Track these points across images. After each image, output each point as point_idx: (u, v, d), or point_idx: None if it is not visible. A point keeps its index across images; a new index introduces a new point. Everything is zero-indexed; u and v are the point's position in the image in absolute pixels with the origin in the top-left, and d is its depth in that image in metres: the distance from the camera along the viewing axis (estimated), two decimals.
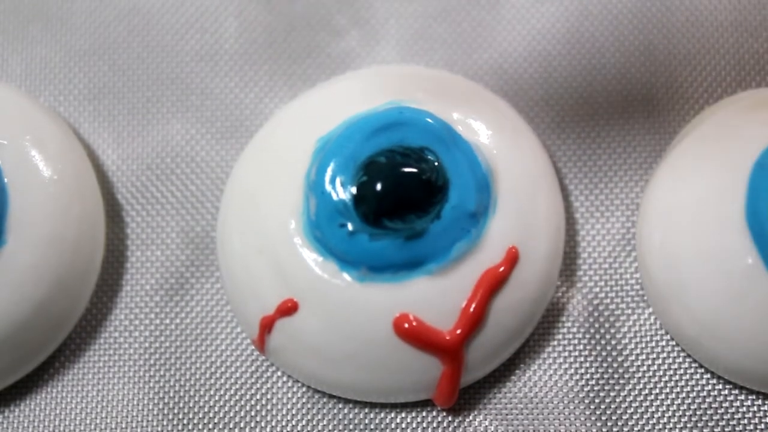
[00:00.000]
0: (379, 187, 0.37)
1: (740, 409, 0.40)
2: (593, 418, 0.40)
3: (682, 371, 0.40)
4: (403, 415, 0.41)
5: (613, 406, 0.40)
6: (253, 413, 0.41)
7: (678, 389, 0.40)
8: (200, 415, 0.41)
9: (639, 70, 0.43)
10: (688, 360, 0.40)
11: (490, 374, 0.40)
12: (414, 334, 0.38)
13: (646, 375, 0.40)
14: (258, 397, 0.41)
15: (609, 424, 0.40)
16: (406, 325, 0.38)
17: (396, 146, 0.38)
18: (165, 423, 0.41)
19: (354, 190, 0.38)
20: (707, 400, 0.40)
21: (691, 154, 0.40)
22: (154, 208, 0.43)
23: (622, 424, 0.40)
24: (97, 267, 0.42)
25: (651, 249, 0.39)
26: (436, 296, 0.38)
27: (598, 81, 0.43)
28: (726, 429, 0.40)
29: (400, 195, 0.38)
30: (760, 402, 0.40)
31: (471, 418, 0.40)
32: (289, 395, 0.41)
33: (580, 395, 0.40)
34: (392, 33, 0.44)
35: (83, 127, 0.44)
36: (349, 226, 0.38)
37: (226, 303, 0.42)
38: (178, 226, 0.43)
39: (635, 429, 0.40)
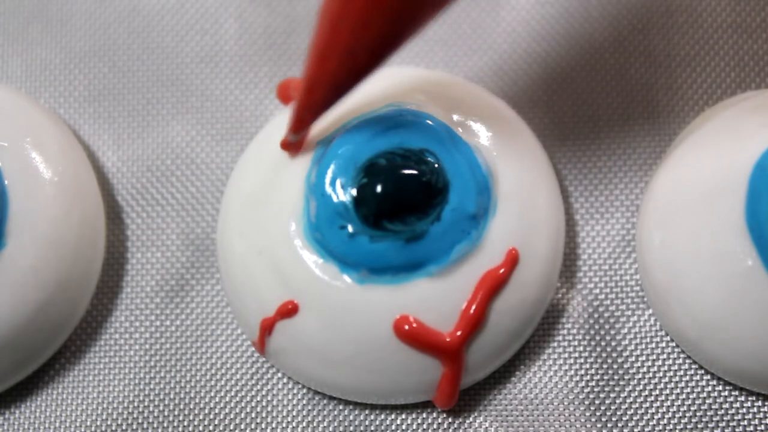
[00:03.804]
0: (379, 189, 0.37)
1: (740, 411, 0.40)
2: (593, 420, 0.40)
3: (682, 372, 0.40)
4: (404, 416, 0.41)
5: (613, 407, 0.40)
6: (253, 415, 0.41)
7: (678, 390, 0.40)
8: (200, 417, 0.41)
9: (639, 71, 0.43)
10: (688, 361, 0.40)
11: (490, 376, 0.41)
12: (414, 336, 0.38)
13: (646, 376, 0.40)
14: (258, 398, 0.41)
15: (609, 425, 0.40)
16: (407, 327, 0.38)
17: (396, 148, 0.38)
18: (165, 425, 0.41)
19: (354, 192, 0.38)
20: (707, 401, 0.40)
21: (691, 155, 0.40)
22: (154, 209, 0.43)
23: (622, 426, 0.40)
24: (97, 269, 0.42)
25: (651, 250, 0.39)
26: (437, 298, 0.38)
27: (597, 82, 0.43)
28: (726, 430, 0.40)
29: (400, 197, 0.38)
30: (760, 403, 0.40)
31: (471, 419, 0.40)
32: (290, 397, 0.41)
33: (581, 396, 0.40)
34: None
35: (83, 129, 0.44)
36: (350, 228, 0.38)
37: (226, 305, 0.42)
38: (178, 227, 0.43)
39: (635, 430, 0.40)
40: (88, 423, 0.41)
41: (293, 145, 0.38)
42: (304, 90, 0.35)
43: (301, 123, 0.37)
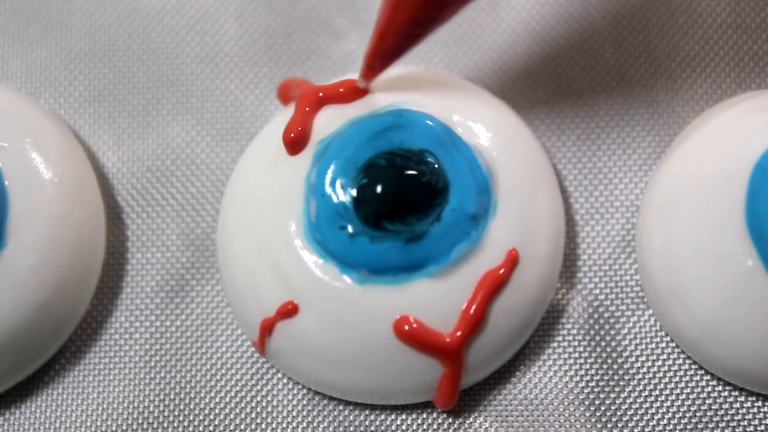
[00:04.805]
0: (379, 189, 0.38)
1: (740, 411, 0.40)
2: (593, 420, 0.40)
3: (682, 373, 0.40)
4: (404, 416, 0.41)
5: (613, 407, 0.40)
6: (253, 415, 0.41)
7: (678, 391, 0.40)
8: (201, 417, 0.41)
9: (639, 71, 0.43)
10: (688, 361, 0.40)
11: (490, 376, 0.41)
12: (414, 336, 0.38)
13: (646, 377, 0.40)
14: (258, 399, 0.41)
15: (609, 425, 0.40)
16: (407, 327, 0.38)
17: (396, 149, 0.38)
18: (165, 425, 0.41)
19: (354, 192, 0.38)
20: (707, 401, 0.40)
21: (691, 155, 0.40)
22: (154, 210, 0.43)
23: (622, 426, 0.40)
24: (97, 269, 0.42)
25: (651, 250, 0.39)
26: (437, 298, 0.38)
27: (597, 82, 0.43)
28: (726, 431, 0.40)
29: (400, 197, 0.38)
30: (760, 404, 0.40)
31: (471, 419, 0.40)
32: (290, 397, 0.41)
33: (581, 397, 0.40)
34: None
35: (83, 130, 0.44)
36: (350, 229, 0.38)
37: (226, 305, 0.42)
38: (178, 228, 0.43)
39: (635, 431, 0.40)
40: (89, 423, 0.41)
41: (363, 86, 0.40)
42: (377, 38, 0.38)
43: (371, 70, 0.39)
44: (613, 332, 0.41)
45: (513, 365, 0.41)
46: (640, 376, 0.40)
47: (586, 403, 0.40)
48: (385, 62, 0.38)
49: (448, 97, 0.40)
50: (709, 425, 0.40)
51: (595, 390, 0.40)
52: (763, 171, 0.37)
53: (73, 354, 0.42)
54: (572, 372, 0.41)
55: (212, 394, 0.41)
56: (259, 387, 0.41)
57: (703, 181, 0.38)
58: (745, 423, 0.40)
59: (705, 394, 0.40)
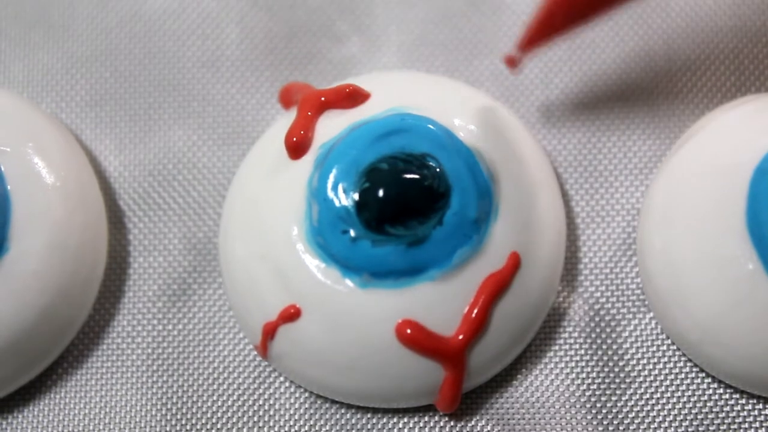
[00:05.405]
0: (381, 193, 0.38)
1: (741, 414, 0.40)
2: (595, 423, 0.40)
3: (683, 376, 0.40)
4: (406, 420, 0.41)
5: (614, 410, 0.40)
6: (255, 419, 0.41)
7: (679, 394, 0.40)
8: (203, 421, 0.41)
9: (639, 75, 0.43)
10: (689, 364, 0.40)
11: (492, 379, 0.41)
12: (416, 340, 0.38)
13: (648, 380, 0.40)
14: (261, 402, 0.41)
15: (610, 428, 0.40)
16: (409, 331, 0.38)
17: (398, 153, 0.38)
18: (168, 429, 0.41)
19: (356, 196, 0.38)
20: (708, 404, 0.40)
21: (692, 159, 0.40)
22: (156, 214, 0.43)
23: (624, 429, 0.40)
24: (99, 273, 0.42)
25: (652, 254, 0.39)
26: (439, 302, 0.38)
27: (598, 86, 0.44)
28: None
29: (402, 201, 0.38)
30: (761, 406, 0.40)
31: (473, 423, 0.40)
32: (292, 401, 0.41)
33: (582, 400, 0.40)
34: (393, 39, 0.44)
35: (85, 134, 0.44)
36: (352, 233, 0.38)
37: (228, 309, 0.42)
38: (180, 232, 0.43)
39: None
40: (91, 427, 0.41)
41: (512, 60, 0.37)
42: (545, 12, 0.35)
43: (532, 42, 0.36)
44: (614, 335, 0.41)
45: (515, 368, 0.41)
46: (641, 379, 0.40)
47: (588, 406, 0.40)
48: (547, 37, 0.35)
49: (449, 101, 0.41)
50: (710, 428, 0.40)
51: (597, 393, 0.40)
52: (763, 174, 0.37)
53: (75, 358, 0.42)
54: (573, 375, 0.41)
55: (214, 398, 0.41)
56: (261, 390, 0.41)
57: (704, 185, 0.39)
58: (746, 426, 0.40)
59: (706, 397, 0.40)
